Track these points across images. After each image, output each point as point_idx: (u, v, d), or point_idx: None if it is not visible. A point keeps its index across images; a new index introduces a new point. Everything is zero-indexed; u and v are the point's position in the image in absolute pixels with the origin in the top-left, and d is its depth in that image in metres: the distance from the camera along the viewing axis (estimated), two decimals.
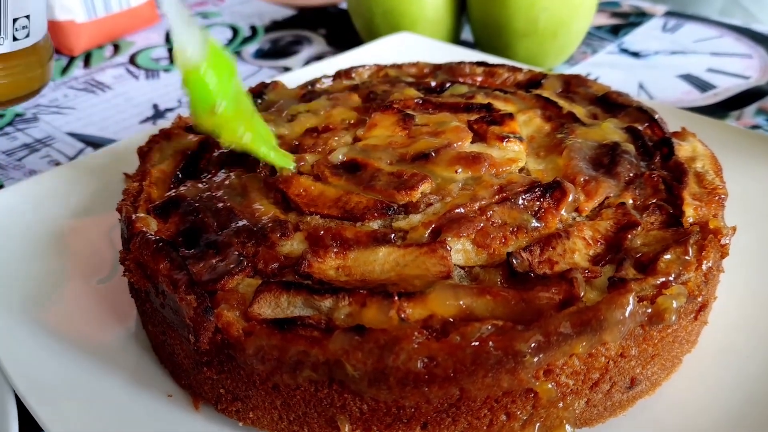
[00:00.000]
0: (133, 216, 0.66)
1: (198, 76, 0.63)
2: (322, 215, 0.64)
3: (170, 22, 0.63)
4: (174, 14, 0.63)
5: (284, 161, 0.69)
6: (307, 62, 1.42)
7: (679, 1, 1.70)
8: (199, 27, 0.66)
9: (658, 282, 0.55)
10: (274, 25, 1.62)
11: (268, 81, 0.94)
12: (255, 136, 0.67)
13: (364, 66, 0.98)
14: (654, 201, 0.65)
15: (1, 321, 0.69)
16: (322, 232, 0.61)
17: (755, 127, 1.12)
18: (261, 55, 1.48)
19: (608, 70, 1.34)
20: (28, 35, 0.75)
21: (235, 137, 0.66)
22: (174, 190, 0.70)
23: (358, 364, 0.51)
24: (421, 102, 0.81)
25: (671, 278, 0.56)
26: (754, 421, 0.58)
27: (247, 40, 1.54)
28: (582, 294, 0.54)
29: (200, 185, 0.70)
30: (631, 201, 0.65)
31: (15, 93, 0.78)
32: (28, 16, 0.74)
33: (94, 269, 0.76)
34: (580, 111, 0.81)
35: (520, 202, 0.63)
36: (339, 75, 0.96)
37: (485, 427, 0.55)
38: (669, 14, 1.57)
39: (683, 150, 0.73)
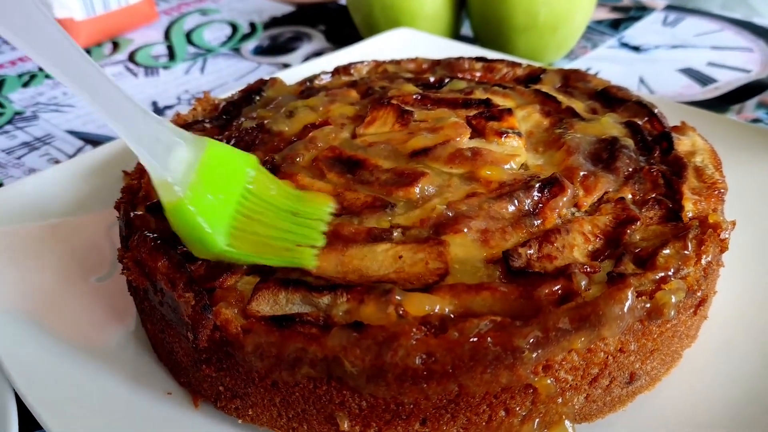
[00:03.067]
0: (132, 214, 0.66)
1: (181, 209, 0.55)
2: None
3: (135, 152, 0.55)
4: (136, 144, 0.55)
5: (304, 260, 0.58)
6: (307, 58, 1.42)
7: None
8: (179, 136, 0.58)
9: (657, 277, 0.55)
10: (273, 22, 1.62)
11: (266, 78, 0.94)
12: (270, 247, 0.58)
13: (362, 62, 0.98)
14: (653, 196, 0.65)
15: (0, 319, 0.68)
16: None
17: (756, 120, 1.12)
18: (260, 51, 1.47)
19: (608, 64, 1.33)
20: None
21: (245, 260, 0.58)
22: None
23: (357, 360, 0.50)
24: (419, 98, 0.81)
25: (670, 273, 0.56)
26: (753, 415, 0.58)
27: (246, 37, 1.54)
28: (582, 289, 0.54)
29: None
30: (630, 196, 0.65)
31: None
32: None
33: (93, 267, 0.76)
34: (579, 106, 0.80)
35: (519, 197, 0.62)
36: (338, 71, 0.96)
37: (484, 423, 0.55)
38: (669, 8, 1.56)
39: (683, 144, 0.73)
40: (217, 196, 0.57)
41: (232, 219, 0.58)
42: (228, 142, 0.77)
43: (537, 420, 0.55)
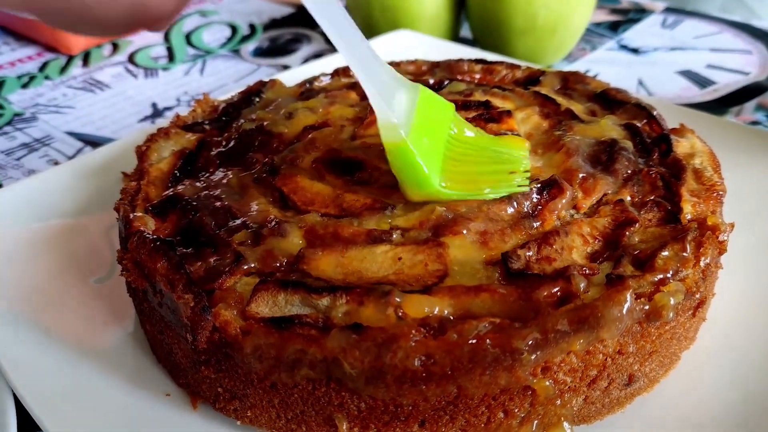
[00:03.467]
0: (131, 215, 0.66)
1: (403, 151, 0.59)
2: (320, 213, 0.64)
3: (367, 93, 0.59)
4: (368, 83, 0.59)
5: (521, 183, 0.63)
6: (306, 60, 1.42)
7: None
8: (402, 82, 0.62)
9: (656, 279, 0.55)
10: (273, 23, 1.62)
11: (266, 79, 0.94)
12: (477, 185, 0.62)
13: None
14: (652, 198, 0.65)
15: None
16: (319, 231, 0.61)
17: (755, 123, 1.12)
18: (260, 53, 1.47)
19: (607, 66, 1.33)
20: None
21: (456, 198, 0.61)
22: (172, 189, 0.70)
23: (356, 362, 0.51)
24: None
25: (669, 275, 0.56)
26: (752, 417, 0.58)
27: (245, 39, 1.54)
28: (581, 291, 0.54)
29: (198, 184, 0.70)
30: (629, 198, 0.65)
31: None
32: None
33: (92, 268, 0.76)
34: (578, 108, 0.81)
35: (518, 199, 0.63)
36: (337, 73, 0.96)
37: (483, 425, 0.55)
38: (668, 10, 1.57)
39: (681, 146, 0.73)
40: (431, 139, 0.61)
41: (442, 161, 0.62)
42: (228, 144, 0.77)
43: (535, 422, 0.55)
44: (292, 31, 1.57)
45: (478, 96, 0.82)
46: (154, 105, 1.27)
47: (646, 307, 0.54)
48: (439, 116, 0.64)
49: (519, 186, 0.62)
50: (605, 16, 1.56)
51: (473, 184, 0.62)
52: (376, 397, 0.52)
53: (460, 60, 0.96)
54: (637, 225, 0.61)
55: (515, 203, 0.62)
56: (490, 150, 0.66)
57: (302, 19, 1.63)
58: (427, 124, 0.61)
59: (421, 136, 0.60)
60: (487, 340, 0.50)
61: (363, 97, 0.85)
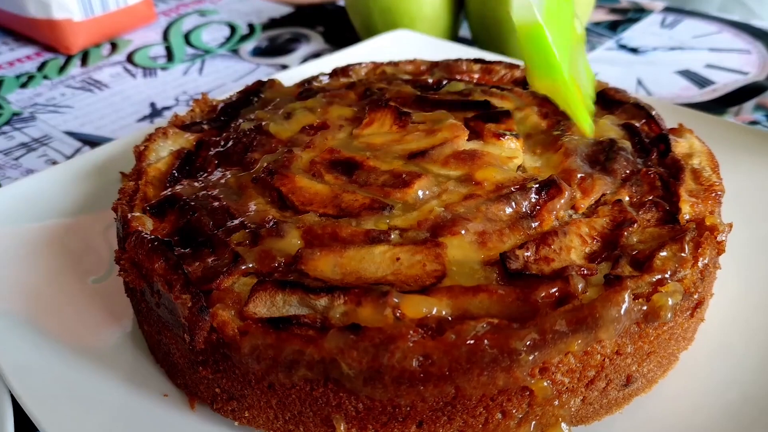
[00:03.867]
0: (129, 215, 0.66)
1: (537, 33, 0.58)
2: (318, 214, 0.64)
3: None
4: None
5: (587, 122, 0.65)
6: (305, 60, 1.42)
7: None
8: None
9: (654, 279, 0.55)
10: (272, 23, 1.62)
11: (265, 79, 0.94)
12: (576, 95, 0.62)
13: (361, 64, 0.98)
14: (650, 198, 0.65)
15: None
16: (318, 231, 0.61)
17: (754, 123, 1.12)
18: (259, 52, 1.47)
19: (607, 66, 1.33)
20: None
21: (569, 102, 0.62)
22: (170, 189, 0.70)
23: (354, 362, 0.50)
24: (417, 99, 0.81)
25: (667, 275, 0.56)
26: (750, 417, 0.58)
27: (244, 38, 1.54)
28: (579, 291, 0.54)
29: (196, 184, 0.70)
30: (627, 198, 0.65)
31: None
32: None
33: (90, 268, 0.76)
34: None
35: (517, 199, 0.63)
36: (336, 72, 0.96)
37: (481, 426, 0.55)
38: (668, 10, 1.57)
39: (680, 146, 0.73)
40: (560, 28, 0.60)
41: (568, 48, 0.61)
42: (226, 144, 0.77)
43: (533, 422, 0.55)
44: (291, 30, 1.57)
45: (477, 96, 0.82)
46: (152, 105, 1.27)
47: (644, 308, 0.54)
48: (565, 7, 0.63)
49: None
50: (604, 16, 1.55)
51: (578, 92, 0.63)
52: (373, 398, 0.52)
53: (459, 60, 0.96)
54: (635, 225, 0.61)
55: (514, 203, 0.62)
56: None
57: (301, 18, 1.63)
58: (556, 12, 0.61)
59: (552, 23, 0.59)
60: (485, 341, 0.50)
61: (362, 97, 0.85)
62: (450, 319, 0.53)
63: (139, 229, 0.63)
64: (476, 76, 0.94)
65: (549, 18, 0.59)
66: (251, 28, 1.60)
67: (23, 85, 1.35)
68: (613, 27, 1.50)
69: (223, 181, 0.70)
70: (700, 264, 0.58)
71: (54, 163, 1.09)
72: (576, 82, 0.62)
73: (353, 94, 0.86)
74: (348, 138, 0.74)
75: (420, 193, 0.64)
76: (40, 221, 0.82)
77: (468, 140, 0.72)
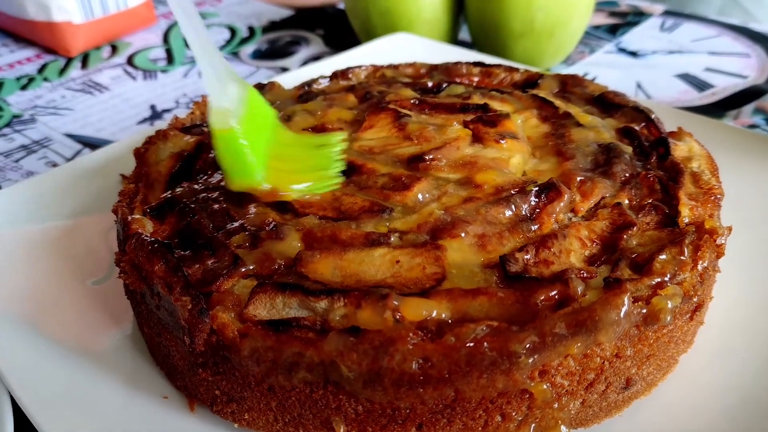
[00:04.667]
0: (129, 217, 0.66)
1: (231, 138, 0.61)
2: (317, 216, 0.64)
3: (205, 77, 0.62)
4: (209, 68, 0.63)
5: (329, 180, 0.67)
6: (305, 63, 1.42)
7: (678, 1, 1.70)
8: (235, 77, 0.65)
9: (654, 282, 0.55)
10: (272, 26, 1.62)
11: (265, 82, 0.94)
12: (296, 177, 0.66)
13: (360, 66, 0.98)
14: (650, 201, 0.65)
15: None
16: (317, 234, 0.61)
17: (753, 126, 1.12)
18: (259, 55, 1.48)
19: (606, 69, 1.34)
20: None
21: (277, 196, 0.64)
22: (170, 192, 0.70)
23: (353, 365, 0.50)
24: (417, 102, 0.81)
25: (667, 278, 0.56)
26: (750, 421, 0.58)
27: (244, 41, 1.54)
28: (579, 294, 0.54)
29: (196, 186, 0.70)
30: (627, 201, 0.65)
31: None
32: None
33: (90, 270, 0.76)
34: (576, 111, 0.81)
35: (516, 202, 0.63)
36: (336, 75, 0.96)
37: (480, 428, 0.55)
38: (667, 13, 1.57)
39: (679, 150, 0.73)
40: (255, 134, 0.64)
41: (264, 157, 0.64)
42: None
43: (533, 425, 0.55)
44: (291, 33, 1.58)
45: (477, 99, 0.82)
46: (152, 107, 1.27)
47: (644, 311, 0.54)
48: (264, 116, 0.68)
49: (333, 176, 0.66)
50: (604, 19, 1.56)
51: (290, 178, 0.65)
52: (373, 400, 0.52)
53: (459, 63, 0.96)
54: (634, 228, 0.61)
55: (513, 206, 0.62)
56: (307, 147, 0.70)
57: (301, 21, 1.63)
58: (253, 120, 0.64)
59: (248, 129, 0.63)
60: (485, 344, 0.50)
61: (361, 99, 0.85)
62: (449, 321, 0.53)
63: (139, 231, 0.63)
64: (476, 79, 0.94)
65: (246, 123, 0.63)
66: (251, 31, 1.60)
67: (23, 88, 1.35)
68: (613, 30, 1.50)
69: (223, 183, 0.70)
70: (699, 267, 0.58)
71: (54, 165, 1.09)
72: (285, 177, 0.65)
73: (353, 97, 0.86)
74: (348, 141, 0.74)
75: (420, 195, 0.64)
76: (41, 223, 0.82)
77: (468, 143, 0.72)
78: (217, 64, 0.64)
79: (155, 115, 1.24)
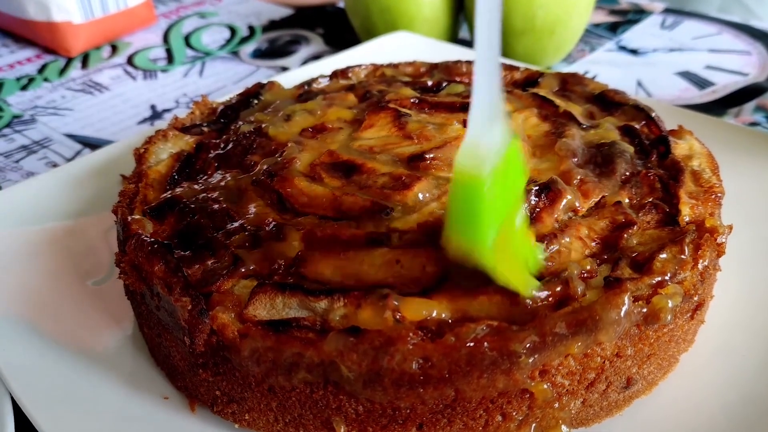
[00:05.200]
0: (129, 218, 0.66)
1: (477, 187, 0.49)
2: (318, 216, 0.64)
3: (475, 103, 0.50)
4: (485, 94, 0.50)
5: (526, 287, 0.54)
6: (305, 62, 1.42)
7: None
8: (504, 119, 0.52)
9: (654, 281, 0.55)
10: (272, 25, 1.62)
11: (265, 81, 0.94)
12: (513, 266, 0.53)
13: (360, 65, 0.98)
14: (650, 200, 0.65)
15: None
16: (318, 233, 0.61)
17: (754, 124, 1.12)
18: (259, 54, 1.47)
19: (606, 67, 1.33)
20: None
21: (503, 276, 0.52)
22: (170, 192, 0.70)
23: (353, 365, 0.50)
24: (417, 101, 0.81)
25: (667, 278, 0.56)
26: (751, 419, 0.58)
27: (244, 40, 1.54)
28: (579, 294, 0.54)
29: (196, 187, 0.70)
30: (627, 200, 0.65)
31: None
32: None
33: (90, 271, 0.76)
34: (576, 109, 0.80)
35: None
36: (336, 75, 0.96)
37: (481, 428, 0.55)
38: (667, 11, 1.57)
39: (680, 148, 0.73)
40: (501, 194, 0.51)
41: (497, 227, 0.51)
42: (226, 146, 0.77)
43: (534, 425, 0.55)
44: (291, 32, 1.57)
45: None
46: (152, 107, 1.27)
47: (644, 310, 0.54)
48: (515, 178, 0.54)
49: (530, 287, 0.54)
50: (604, 17, 1.56)
51: (506, 266, 0.52)
52: (373, 401, 0.52)
53: (459, 61, 0.96)
54: (635, 227, 0.61)
55: None
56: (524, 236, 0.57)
57: (301, 20, 1.63)
58: (503, 178, 0.52)
59: (496, 185, 0.50)
60: (485, 343, 0.50)
61: (361, 99, 0.85)
62: (450, 321, 0.53)
63: (139, 231, 0.63)
64: None
65: (497, 177, 0.51)
66: (251, 30, 1.60)
67: (23, 88, 1.35)
68: (613, 28, 1.50)
69: (222, 183, 0.70)
70: (700, 266, 0.58)
71: (54, 165, 1.09)
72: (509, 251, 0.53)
73: (353, 96, 0.86)
74: (347, 140, 0.74)
75: (420, 195, 0.64)
76: (41, 224, 0.82)
77: None
78: (495, 95, 0.51)
79: (155, 115, 1.24)
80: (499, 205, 0.51)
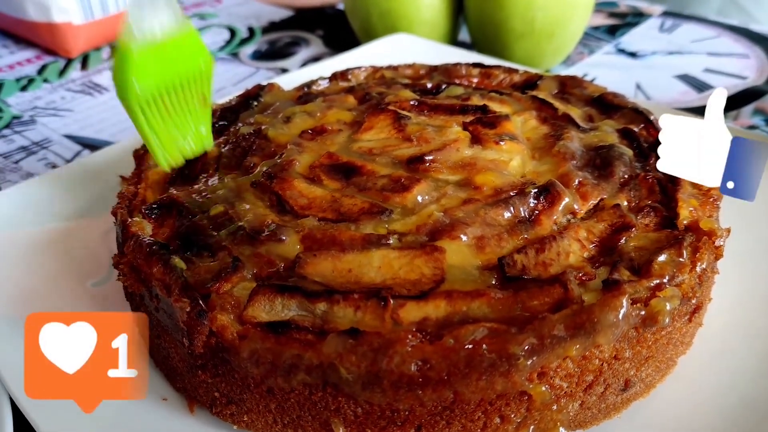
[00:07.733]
0: (128, 219, 0.66)
1: (127, 51, 0.63)
2: (317, 218, 0.64)
3: None
4: None
5: (165, 158, 0.71)
6: (305, 63, 1.42)
7: (677, 1, 1.70)
8: (178, 13, 0.66)
9: (652, 284, 0.55)
10: (272, 27, 1.62)
11: (264, 83, 0.94)
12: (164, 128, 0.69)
13: (360, 68, 0.98)
14: (649, 202, 0.65)
15: None
16: (317, 235, 0.61)
17: (752, 127, 1.12)
18: (258, 56, 1.48)
19: (605, 70, 1.34)
20: None
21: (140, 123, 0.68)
22: (169, 194, 0.70)
23: (352, 367, 0.51)
24: (416, 104, 0.81)
25: (665, 280, 0.56)
26: (748, 422, 0.58)
27: (244, 42, 1.54)
28: (577, 296, 0.54)
29: (195, 188, 0.70)
30: (625, 203, 0.65)
31: None
32: None
33: (90, 272, 0.76)
34: (575, 112, 0.81)
35: (515, 204, 0.63)
36: (335, 77, 0.96)
37: (479, 430, 0.55)
38: (666, 14, 1.57)
39: None
40: (161, 66, 0.66)
41: (157, 91, 0.67)
42: (225, 148, 0.77)
43: (532, 427, 0.55)
44: (291, 34, 1.58)
45: (476, 100, 0.82)
46: None
47: (642, 313, 0.54)
48: (187, 59, 0.69)
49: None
50: (603, 20, 1.56)
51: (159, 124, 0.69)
52: (372, 402, 0.53)
53: (458, 64, 0.96)
54: (633, 230, 0.61)
55: (512, 208, 0.62)
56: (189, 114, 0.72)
57: (301, 22, 1.64)
58: (169, 54, 0.66)
59: (154, 57, 0.65)
60: (484, 346, 0.50)
61: (361, 101, 0.85)
62: (448, 323, 0.53)
63: (138, 233, 0.63)
64: (475, 80, 0.94)
65: (157, 52, 0.66)
66: (251, 31, 1.60)
67: (23, 89, 1.35)
68: (612, 31, 1.50)
69: (221, 185, 0.70)
70: (698, 269, 0.58)
71: (54, 166, 1.09)
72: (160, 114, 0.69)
73: (352, 99, 0.86)
74: (347, 142, 0.75)
75: (419, 197, 0.64)
76: (40, 225, 0.82)
77: (467, 145, 0.72)
78: None
79: None
80: (154, 71, 0.66)
